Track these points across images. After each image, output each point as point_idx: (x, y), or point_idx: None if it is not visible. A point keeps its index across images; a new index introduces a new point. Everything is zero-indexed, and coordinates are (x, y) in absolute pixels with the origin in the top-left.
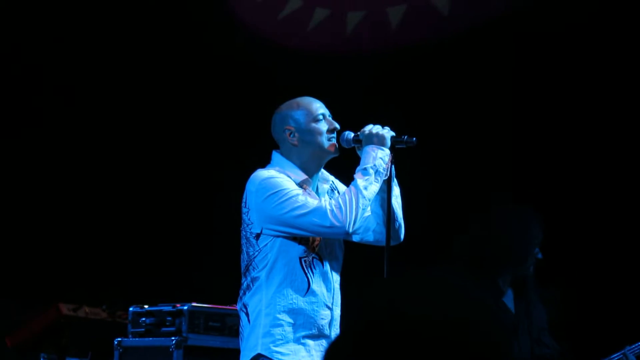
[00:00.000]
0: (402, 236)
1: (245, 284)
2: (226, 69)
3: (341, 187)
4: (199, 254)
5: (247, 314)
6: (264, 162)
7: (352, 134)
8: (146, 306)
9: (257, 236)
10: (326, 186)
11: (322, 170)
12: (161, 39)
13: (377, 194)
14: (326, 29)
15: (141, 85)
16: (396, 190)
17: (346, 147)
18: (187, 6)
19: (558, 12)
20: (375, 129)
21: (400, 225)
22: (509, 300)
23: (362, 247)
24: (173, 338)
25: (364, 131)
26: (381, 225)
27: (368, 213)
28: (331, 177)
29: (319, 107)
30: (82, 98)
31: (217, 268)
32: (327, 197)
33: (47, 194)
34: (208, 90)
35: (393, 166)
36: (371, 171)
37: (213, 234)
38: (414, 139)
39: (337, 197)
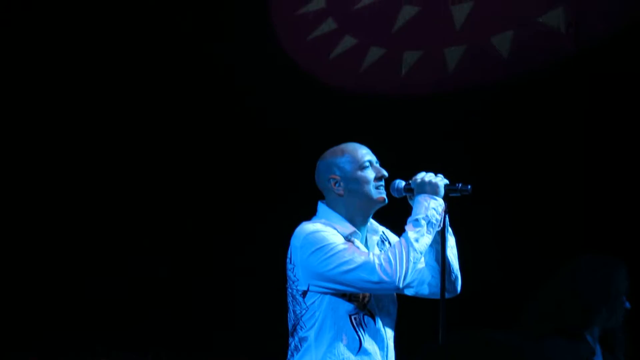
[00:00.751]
0: (459, 288)
1: (293, 345)
2: (272, 111)
3: (392, 237)
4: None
5: None
6: (309, 213)
7: (403, 183)
8: None
9: (304, 294)
10: (376, 238)
11: (371, 220)
12: (200, 79)
13: (431, 245)
14: (379, 70)
15: (171, 128)
16: (451, 241)
17: (397, 196)
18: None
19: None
20: (428, 177)
21: (456, 277)
22: (598, 358)
23: (418, 300)
24: None
25: (416, 179)
26: (436, 278)
27: (422, 265)
28: (381, 228)
29: (365, 154)
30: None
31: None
32: (377, 249)
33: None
34: (248, 137)
35: (447, 216)
36: (423, 222)
37: (247, 289)
38: (469, 186)
39: (387, 250)
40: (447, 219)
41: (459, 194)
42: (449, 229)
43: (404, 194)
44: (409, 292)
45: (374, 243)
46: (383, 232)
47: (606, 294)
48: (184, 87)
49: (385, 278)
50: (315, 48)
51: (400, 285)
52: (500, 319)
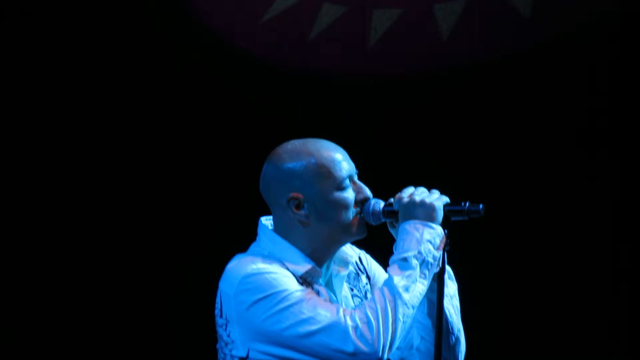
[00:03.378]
0: (461, 357)
1: None
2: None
3: (375, 270)
4: None
5: None
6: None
7: (382, 203)
8: None
9: None
10: (344, 272)
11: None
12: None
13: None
14: (337, 37)
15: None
16: (451, 288)
17: (373, 223)
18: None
19: None
20: (419, 194)
21: (457, 340)
22: None
23: None
24: None
25: (402, 199)
26: (427, 341)
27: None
28: (356, 253)
29: (343, 165)
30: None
31: None
32: (346, 289)
33: None
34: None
35: (446, 252)
36: (415, 262)
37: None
38: (481, 206)
39: (365, 306)
40: (445, 256)
41: (466, 217)
42: (449, 272)
43: (383, 220)
44: (393, 357)
45: (342, 280)
46: (359, 260)
47: None
48: None
49: (362, 347)
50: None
51: (385, 357)
52: None
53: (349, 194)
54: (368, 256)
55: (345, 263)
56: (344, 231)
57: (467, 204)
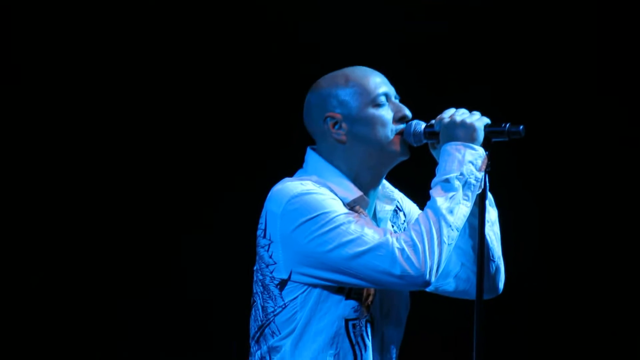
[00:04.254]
0: (500, 285)
1: (258, 355)
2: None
3: (409, 207)
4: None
5: None
6: (295, 167)
7: (423, 124)
8: None
9: (282, 284)
10: (389, 207)
11: (384, 182)
12: None
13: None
14: None
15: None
16: (492, 214)
17: (415, 144)
18: None
19: None
20: (460, 115)
21: (498, 268)
22: None
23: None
24: None
25: (443, 119)
26: (468, 268)
27: None
28: (397, 193)
29: (379, 83)
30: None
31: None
32: (389, 225)
33: None
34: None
35: (488, 174)
36: (457, 183)
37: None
38: (521, 127)
39: (409, 230)
40: (487, 179)
41: (506, 139)
42: (490, 197)
43: (424, 141)
44: (427, 287)
45: (387, 217)
46: (397, 200)
47: None
48: None
49: (409, 270)
50: None
51: (432, 280)
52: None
53: (386, 112)
54: (402, 194)
55: (391, 199)
56: (384, 149)
57: (508, 125)
